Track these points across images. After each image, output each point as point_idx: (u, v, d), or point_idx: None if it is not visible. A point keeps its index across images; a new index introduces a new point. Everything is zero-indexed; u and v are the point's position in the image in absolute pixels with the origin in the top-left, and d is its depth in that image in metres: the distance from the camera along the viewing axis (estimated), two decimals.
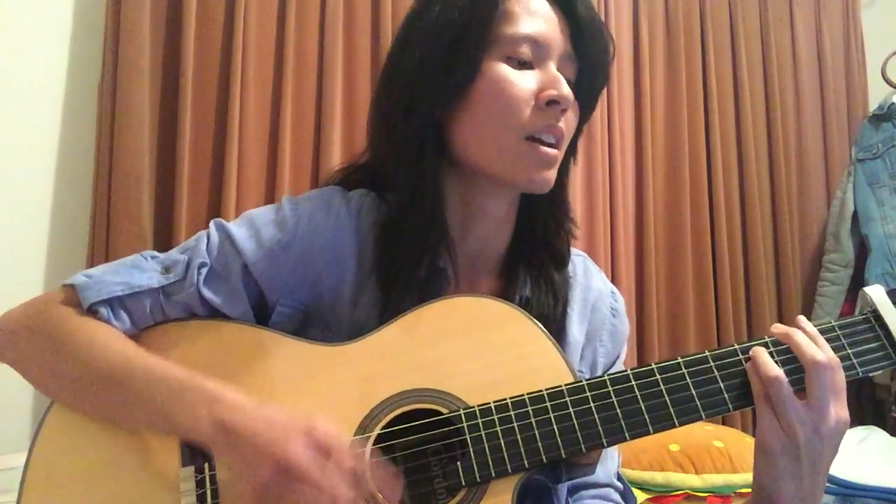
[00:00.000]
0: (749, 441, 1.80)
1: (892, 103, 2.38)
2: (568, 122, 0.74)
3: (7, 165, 1.62)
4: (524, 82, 0.71)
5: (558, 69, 0.72)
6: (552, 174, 0.73)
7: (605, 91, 2.50)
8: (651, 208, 2.32)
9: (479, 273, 0.80)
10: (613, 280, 2.22)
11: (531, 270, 0.79)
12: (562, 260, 0.82)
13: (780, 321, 2.42)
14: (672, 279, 2.35)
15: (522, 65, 0.72)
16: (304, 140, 1.91)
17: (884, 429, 2.08)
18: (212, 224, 0.77)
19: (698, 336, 2.33)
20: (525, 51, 0.71)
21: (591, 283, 0.86)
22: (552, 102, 0.70)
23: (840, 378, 0.65)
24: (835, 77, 2.64)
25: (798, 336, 0.67)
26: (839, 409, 0.65)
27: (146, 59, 1.73)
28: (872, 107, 2.56)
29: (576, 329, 0.81)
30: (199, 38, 1.81)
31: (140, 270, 0.73)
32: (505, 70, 0.71)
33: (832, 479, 1.72)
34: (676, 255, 2.35)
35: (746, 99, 2.49)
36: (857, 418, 2.39)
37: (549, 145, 0.72)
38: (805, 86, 2.59)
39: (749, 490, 1.66)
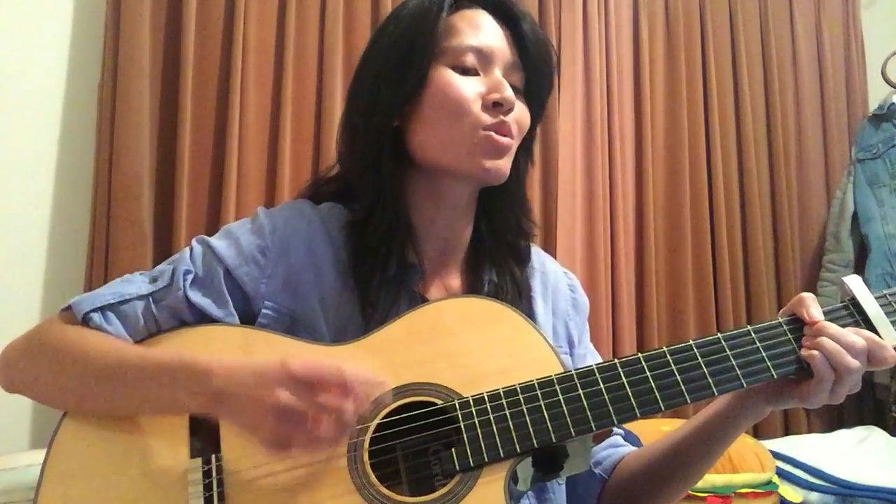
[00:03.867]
0: (749, 441, 1.80)
1: (892, 103, 2.39)
2: (518, 124, 0.79)
3: (7, 166, 1.62)
4: (470, 85, 0.77)
5: (504, 76, 0.78)
6: (505, 164, 0.78)
7: (605, 91, 2.51)
8: (651, 208, 2.32)
9: (448, 266, 0.85)
10: (613, 280, 2.23)
11: (495, 266, 0.85)
12: (522, 258, 0.88)
13: None
14: (672, 278, 2.35)
15: (468, 72, 0.78)
16: (304, 140, 1.91)
17: (884, 429, 2.09)
18: (193, 240, 0.82)
19: (698, 335, 2.32)
20: (469, 59, 0.78)
21: (546, 268, 0.92)
22: (497, 104, 0.76)
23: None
24: (835, 77, 2.64)
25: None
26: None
27: (146, 59, 1.73)
28: (872, 107, 2.57)
29: (542, 310, 0.87)
30: (199, 38, 1.82)
31: (129, 283, 0.78)
32: (451, 75, 0.77)
33: (832, 479, 1.72)
34: (676, 255, 2.35)
35: (746, 99, 2.49)
36: (857, 418, 2.39)
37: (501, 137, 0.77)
38: (805, 86, 2.60)
39: (749, 490, 1.67)
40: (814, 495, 1.72)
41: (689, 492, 1.66)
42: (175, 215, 1.75)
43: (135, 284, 0.77)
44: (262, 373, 0.62)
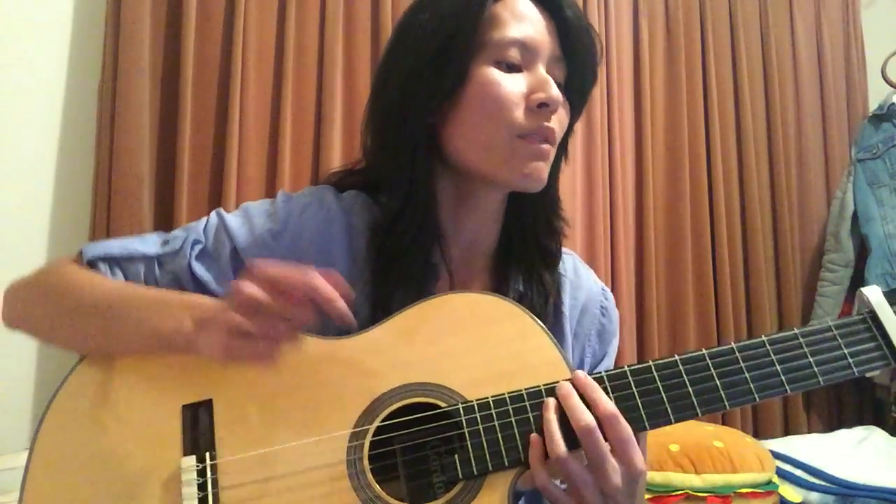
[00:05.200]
0: (749, 441, 1.80)
1: (892, 103, 2.38)
2: (559, 123, 0.75)
3: (7, 165, 1.62)
4: (513, 85, 0.72)
5: (547, 71, 0.74)
6: (545, 170, 0.74)
7: (605, 91, 2.50)
8: (651, 208, 2.32)
9: (473, 269, 0.82)
10: (613, 280, 2.23)
11: (523, 268, 0.81)
12: (552, 258, 0.83)
13: (780, 321, 2.43)
14: (672, 279, 2.35)
15: (511, 68, 0.73)
16: (304, 140, 1.91)
17: (884, 429, 2.08)
18: (213, 212, 0.81)
19: (698, 336, 2.33)
20: (513, 54, 0.72)
21: (581, 282, 0.87)
22: (542, 105, 0.72)
23: (620, 429, 0.62)
24: (835, 77, 2.64)
25: (572, 400, 0.64)
26: (621, 462, 0.62)
27: (146, 59, 1.73)
28: (872, 107, 2.56)
29: (568, 326, 0.83)
30: (199, 38, 1.81)
31: (141, 241, 0.79)
32: (494, 73, 0.72)
33: (832, 479, 1.72)
34: (676, 255, 2.35)
35: (746, 99, 2.49)
36: (857, 418, 2.39)
37: (541, 143, 0.74)
38: (805, 86, 2.59)
39: (750, 491, 1.67)
40: (814, 495, 1.72)
41: (689, 492, 1.66)
42: (175, 215, 1.74)
43: (146, 244, 0.78)
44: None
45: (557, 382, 0.67)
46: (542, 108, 0.72)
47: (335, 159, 1.88)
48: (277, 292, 0.60)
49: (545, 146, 0.73)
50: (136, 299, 0.70)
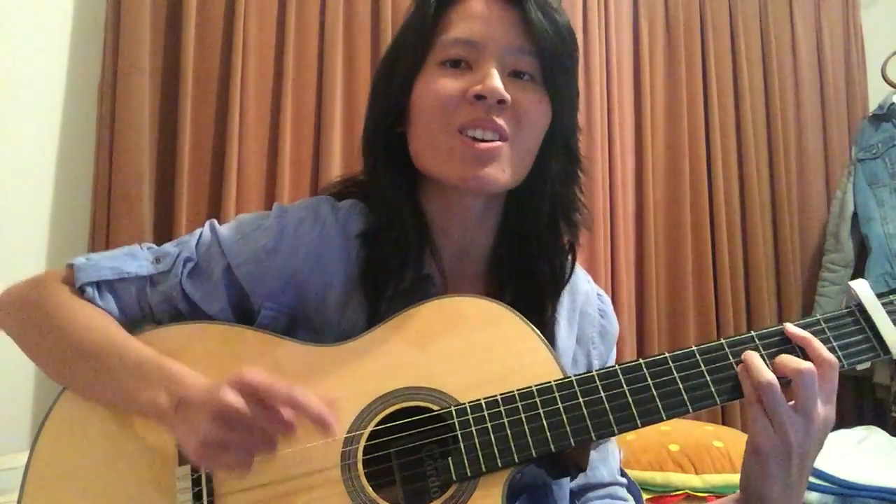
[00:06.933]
0: None
1: (892, 103, 2.38)
2: (521, 116, 0.72)
3: (7, 165, 1.62)
4: (453, 83, 0.72)
5: (509, 64, 0.72)
6: (493, 172, 0.71)
7: (605, 91, 2.49)
8: (651, 208, 2.32)
9: (465, 277, 0.81)
10: (613, 281, 2.23)
11: (518, 278, 0.79)
12: (557, 270, 0.80)
13: (780, 321, 2.42)
14: (672, 279, 2.35)
15: (457, 66, 0.72)
16: (304, 140, 1.91)
17: (884, 429, 2.08)
18: (207, 223, 0.80)
19: (698, 337, 2.33)
20: (457, 52, 0.72)
21: (578, 286, 0.85)
22: (479, 97, 0.70)
23: (833, 377, 0.67)
24: (835, 77, 2.64)
25: (814, 342, 0.67)
26: (828, 409, 0.66)
27: (146, 59, 1.73)
28: (872, 107, 2.56)
29: (564, 334, 0.81)
30: (199, 38, 1.82)
31: (133, 258, 0.77)
32: (436, 75, 0.73)
33: (832, 479, 1.72)
34: (676, 255, 2.35)
35: (746, 98, 2.49)
36: (857, 418, 2.39)
37: (486, 141, 0.71)
38: (805, 86, 2.59)
39: None
40: (814, 495, 1.71)
41: (689, 492, 1.66)
42: (175, 215, 1.75)
43: (137, 261, 0.76)
44: (218, 380, 0.61)
45: (549, 383, 0.67)
46: (480, 101, 0.70)
47: (335, 159, 1.88)
48: (259, 402, 0.59)
49: (489, 145, 0.70)
50: (116, 358, 0.69)
